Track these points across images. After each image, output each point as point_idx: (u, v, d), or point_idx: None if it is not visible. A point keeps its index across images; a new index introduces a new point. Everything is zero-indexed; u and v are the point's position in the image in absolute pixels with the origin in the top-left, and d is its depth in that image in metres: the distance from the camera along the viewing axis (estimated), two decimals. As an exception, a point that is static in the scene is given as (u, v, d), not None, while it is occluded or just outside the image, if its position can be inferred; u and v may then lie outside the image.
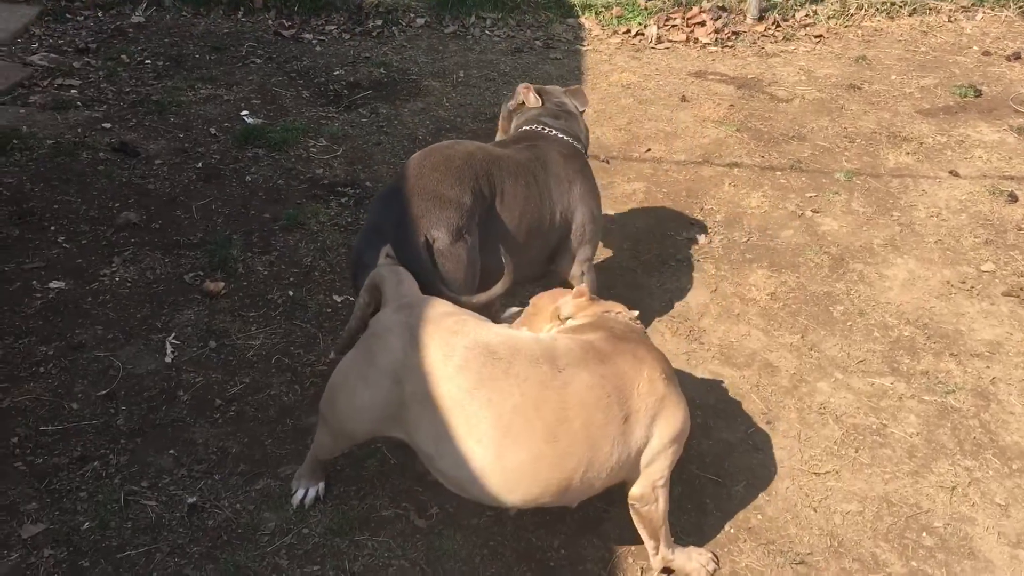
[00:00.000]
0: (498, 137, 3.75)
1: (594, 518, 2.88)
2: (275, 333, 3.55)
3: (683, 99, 5.72)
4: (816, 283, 4.07)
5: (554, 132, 3.40)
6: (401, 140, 5.03)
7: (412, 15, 6.72)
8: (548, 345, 2.48)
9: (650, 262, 4.16)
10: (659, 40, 6.65)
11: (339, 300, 3.76)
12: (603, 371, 2.43)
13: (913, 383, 3.52)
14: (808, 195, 4.72)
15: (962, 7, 7.00)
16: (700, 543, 2.82)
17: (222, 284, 3.75)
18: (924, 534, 2.91)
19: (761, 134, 5.30)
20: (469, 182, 2.91)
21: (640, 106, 5.62)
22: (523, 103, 3.57)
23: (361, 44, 6.26)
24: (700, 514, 2.94)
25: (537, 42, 6.54)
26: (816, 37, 6.73)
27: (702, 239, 4.31)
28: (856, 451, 3.22)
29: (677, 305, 3.90)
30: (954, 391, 3.48)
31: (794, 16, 6.97)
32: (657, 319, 3.80)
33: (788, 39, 6.65)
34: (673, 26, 6.81)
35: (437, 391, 2.36)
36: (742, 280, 4.07)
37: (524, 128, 3.46)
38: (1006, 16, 6.94)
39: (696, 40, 6.65)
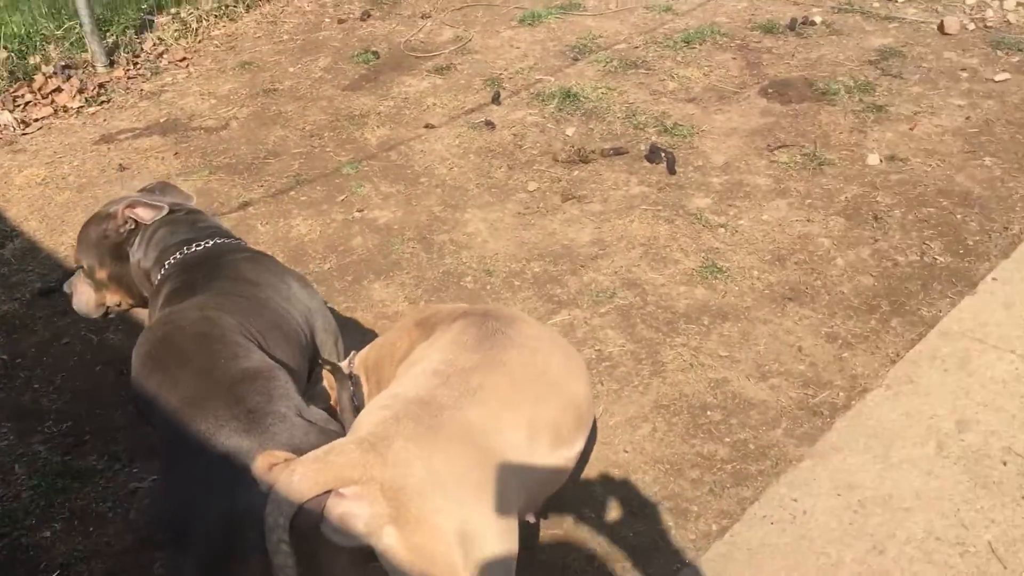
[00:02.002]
0: (110, 303, 2.84)
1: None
2: None
3: (121, 167, 4.93)
4: (429, 268, 3.96)
5: (213, 242, 2.67)
6: None
7: None
8: None
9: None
10: (25, 124, 5.57)
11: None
12: None
13: (582, 305, 3.69)
14: (340, 199, 4.51)
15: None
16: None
17: None
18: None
19: (232, 166, 4.86)
20: (237, 348, 2.25)
21: (82, 197, 4.70)
22: (131, 228, 2.70)
23: None
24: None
25: None
26: (181, 61, 6.29)
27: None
28: (603, 383, 3.29)
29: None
30: (614, 293, 3.73)
31: (142, 49, 6.40)
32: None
33: (157, 73, 6.10)
34: (28, 103, 5.75)
35: None
36: (364, 298, 3.78)
37: (174, 258, 2.64)
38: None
39: (66, 108, 5.72)
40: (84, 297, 2.93)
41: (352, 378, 2.58)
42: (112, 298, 2.88)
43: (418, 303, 3.75)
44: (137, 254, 2.72)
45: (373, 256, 4.08)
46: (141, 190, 2.92)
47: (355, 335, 3.56)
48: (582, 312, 3.65)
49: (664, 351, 3.43)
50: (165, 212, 2.72)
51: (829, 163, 4.45)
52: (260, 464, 2.02)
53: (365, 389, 2.59)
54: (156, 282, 2.69)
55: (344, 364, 2.61)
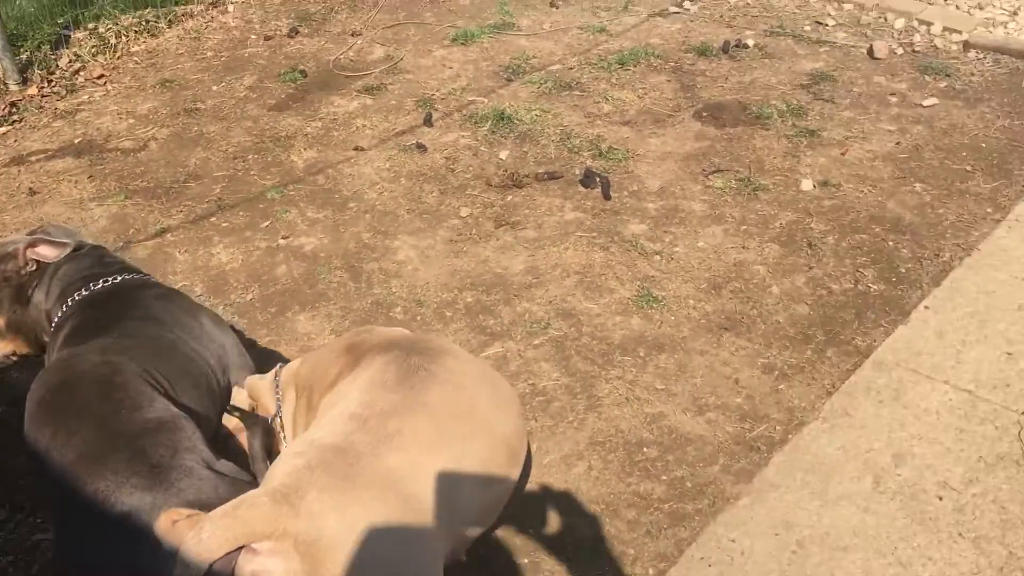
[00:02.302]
0: (1, 352, 2.64)
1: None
2: None
3: (32, 192, 4.68)
4: (357, 298, 3.81)
5: (120, 277, 2.50)
6: None
7: None
8: None
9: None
10: (-71, 145, 5.26)
11: None
12: None
13: (516, 336, 3.58)
14: (264, 225, 4.33)
15: (211, 3, 6.93)
16: None
17: None
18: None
19: (150, 190, 4.65)
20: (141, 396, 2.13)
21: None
22: (33, 269, 2.51)
23: None
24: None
25: None
26: (98, 78, 6.04)
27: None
28: (536, 419, 3.19)
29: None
30: (548, 324, 3.63)
31: (57, 66, 6.13)
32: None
33: (73, 91, 5.84)
34: (-75, 125, 5.45)
35: None
36: (288, 331, 3.62)
37: (78, 294, 2.45)
38: (252, 0, 7.07)
39: (-33, 129, 5.43)
40: None
41: (260, 420, 2.44)
42: (5, 347, 2.67)
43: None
44: (38, 295, 2.53)
45: (298, 286, 3.92)
46: (30, 233, 2.72)
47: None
48: (516, 344, 3.55)
49: (599, 385, 3.34)
50: (70, 248, 2.54)
51: (763, 188, 4.42)
52: (163, 522, 1.88)
53: (291, 406, 2.45)
54: (56, 320, 2.51)
55: (266, 379, 2.46)
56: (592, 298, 3.78)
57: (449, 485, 2.02)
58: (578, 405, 3.25)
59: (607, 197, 4.40)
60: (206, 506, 1.90)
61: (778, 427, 3.14)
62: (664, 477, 2.98)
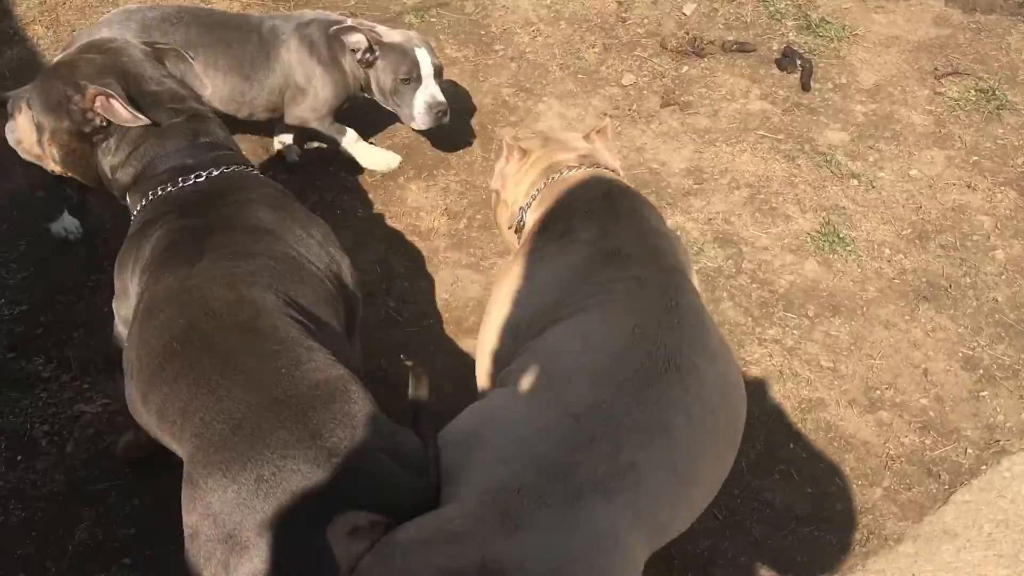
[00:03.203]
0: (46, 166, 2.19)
1: None
2: None
3: None
4: (482, 174, 3.21)
5: (220, 171, 1.98)
6: None
7: None
8: None
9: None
10: None
11: None
12: None
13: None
14: (393, 58, 3.69)
15: None
16: None
17: None
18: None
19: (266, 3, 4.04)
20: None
21: None
22: (103, 124, 2.01)
23: None
24: None
25: None
26: None
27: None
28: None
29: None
30: (702, 248, 2.96)
31: None
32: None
33: None
34: None
35: None
36: (396, 202, 3.07)
37: (163, 189, 1.95)
38: None
39: None
40: (19, 135, 2.25)
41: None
42: (52, 166, 2.20)
43: (459, 220, 3.04)
44: (110, 156, 2.01)
45: (418, 144, 3.33)
46: (148, 44, 2.16)
47: (371, 253, 2.89)
48: (657, 269, 2.91)
49: (751, 346, 2.70)
50: (146, 123, 1.97)
51: (1012, 108, 3.47)
52: (340, 527, 1.41)
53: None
54: (135, 212, 2.01)
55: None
56: (762, 223, 3.06)
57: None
58: (719, 367, 2.64)
59: (806, 87, 3.55)
60: (389, 503, 1.46)
61: (970, 450, 2.47)
62: (809, 490, 2.38)
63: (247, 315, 1.65)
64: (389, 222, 3.05)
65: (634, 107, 3.50)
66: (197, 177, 1.96)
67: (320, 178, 3.15)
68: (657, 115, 3.47)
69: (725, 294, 2.83)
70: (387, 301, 2.77)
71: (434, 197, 3.13)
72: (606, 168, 2.19)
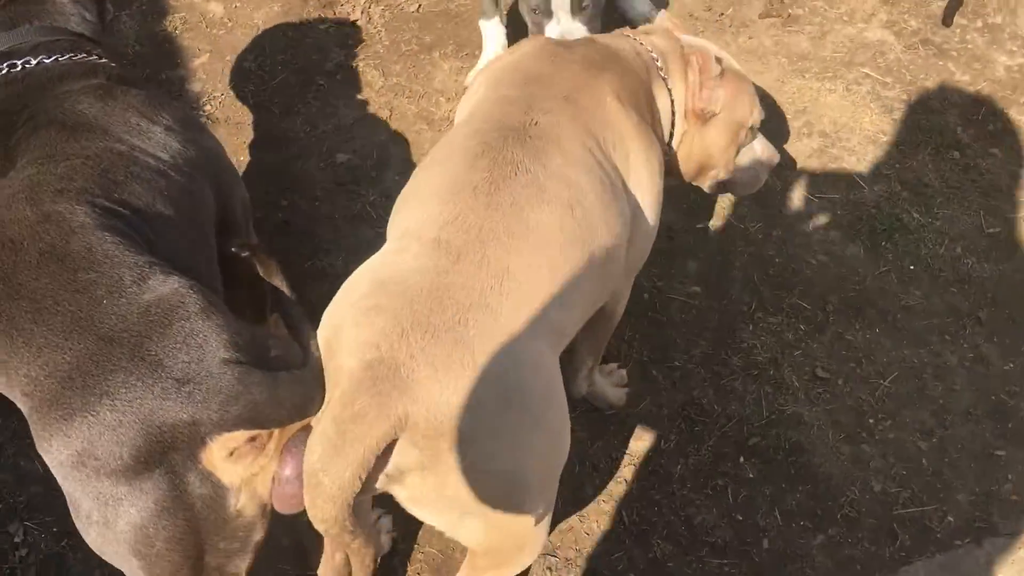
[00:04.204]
0: None
1: None
2: None
3: None
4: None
5: (38, 60, 1.76)
6: None
7: None
8: None
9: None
10: None
11: None
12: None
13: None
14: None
15: None
16: None
17: None
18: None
19: None
20: None
21: None
22: None
23: None
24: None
25: None
26: None
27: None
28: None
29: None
30: (735, 200, 2.56)
31: None
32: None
33: None
34: None
35: None
36: (423, 80, 2.80)
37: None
38: None
39: None
40: None
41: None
42: None
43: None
44: None
45: (469, 18, 2.99)
46: None
47: (373, 134, 2.68)
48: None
49: (741, 331, 2.34)
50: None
51: None
52: (214, 455, 1.36)
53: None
54: None
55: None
56: (819, 184, 2.60)
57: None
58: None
59: (947, 21, 2.93)
60: (262, 416, 1.37)
61: (951, 517, 2.10)
62: (738, 517, 2.09)
63: (53, 238, 1.45)
64: (405, 101, 2.80)
65: (730, 10, 3.00)
66: (12, 67, 1.73)
67: (352, 44, 2.91)
68: (752, 26, 2.96)
69: (737, 263, 2.45)
70: (368, 193, 2.57)
71: (462, 82, 2.83)
72: None
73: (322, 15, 2.98)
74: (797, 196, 2.58)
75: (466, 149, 1.60)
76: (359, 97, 2.80)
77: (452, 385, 1.34)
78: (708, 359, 2.29)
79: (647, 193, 1.77)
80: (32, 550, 1.98)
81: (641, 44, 1.95)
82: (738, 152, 2.05)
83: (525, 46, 1.92)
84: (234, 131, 2.70)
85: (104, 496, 1.34)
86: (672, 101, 1.94)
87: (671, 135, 1.96)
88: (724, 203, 2.56)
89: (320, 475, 1.35)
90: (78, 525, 1.40)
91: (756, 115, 2.02)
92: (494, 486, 1.42)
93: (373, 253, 1.58)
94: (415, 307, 1.39)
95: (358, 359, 1.37)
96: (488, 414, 1.37)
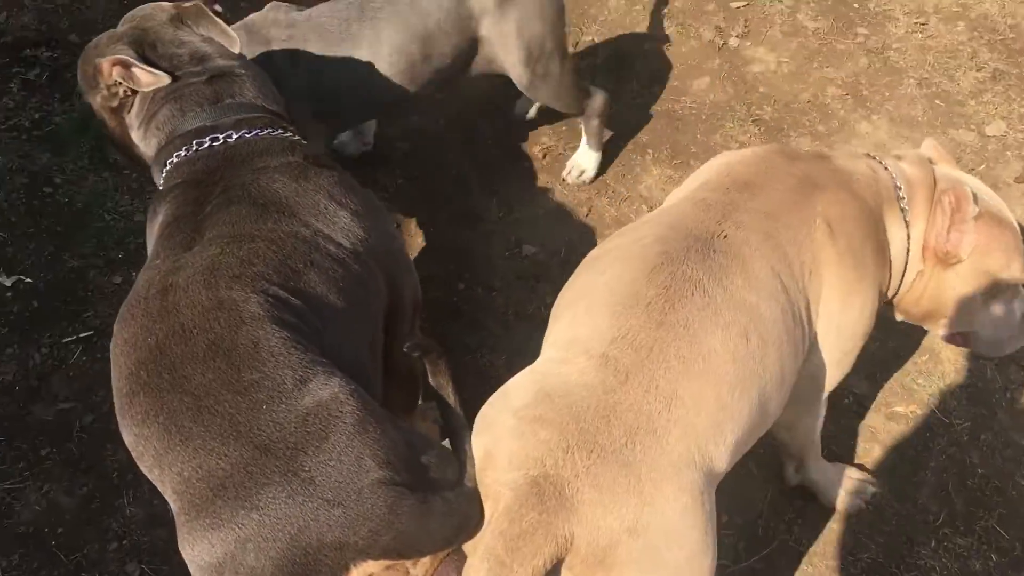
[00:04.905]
0: None
1: None
2: None
3: None
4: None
5: (238, 135, 1.74)
6: None
7: None
8: None
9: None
10: None
11: None
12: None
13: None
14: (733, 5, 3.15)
15: None
16: None
17: None
18: None
19: None
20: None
21: None
22: (127, 93, 1.82)
23: None
24: None
25: None
26: None
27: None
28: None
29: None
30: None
31: None
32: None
33: None
34: None
35: None
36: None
37: (177, 156, 1.74)
38: None
39: None
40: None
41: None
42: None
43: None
44: (134, 131, 1.84)
45: (690, 119, 2.84)
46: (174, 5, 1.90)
47: (558, 232, 2.58)
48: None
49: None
50: (166, 82, 1.77)
51: None
52: None
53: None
54: (160, 187, 1.79)
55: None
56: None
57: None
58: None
59: None
60: (409, 547, 1.30)
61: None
62: None
63: (223, 329, 1.41)
64: (605, 201, 2.68)
65: (982, 167, 2.69)
66: (214, 141, 1.72)
67: (551, 129, 2.83)
68: (1007, 189, 2.64)
69: (932, 463, 2.16)
70: (546, 294, 2.46)
71: (671, 190, 2.68)
72: None
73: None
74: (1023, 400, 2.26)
75: (645, 259, 1.53)
76: (560, 187, 2.71)
77: (617, 511, 1.28)
78: (875, 569, 2.02)
79: (833, 326, 1.61)
80: (141, 594, 1.99)
81: (886, 168, 1.76)
82: (990, 307, 1.79)
83: (757, 147, 1.78)
84: (428, 199, 2.67)
85: None
86: (908, 236, 1.73)
87: (903, 272, 1.75)
88: (932, 389, 2.27)
89: None
90: None
91: (1018, 270, 1.75)
92: None
93: (537, 359, 1.50)
94: (581, 424, 1.34)
95: (523, 473, 1.30)
96: (651, 548, 1.29)
